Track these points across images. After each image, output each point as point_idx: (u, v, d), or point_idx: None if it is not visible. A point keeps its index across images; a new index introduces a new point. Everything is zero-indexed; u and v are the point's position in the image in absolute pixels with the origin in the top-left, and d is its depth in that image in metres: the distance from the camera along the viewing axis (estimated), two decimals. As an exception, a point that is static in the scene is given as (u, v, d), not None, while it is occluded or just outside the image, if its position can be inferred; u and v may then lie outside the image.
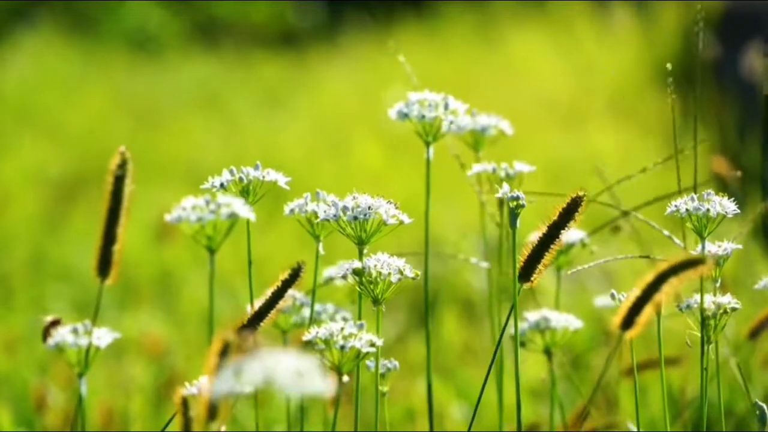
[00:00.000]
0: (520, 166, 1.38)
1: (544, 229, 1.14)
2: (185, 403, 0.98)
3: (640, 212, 1.45)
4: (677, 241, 1.36)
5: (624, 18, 4.95)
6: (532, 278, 1.15)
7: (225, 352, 0.92)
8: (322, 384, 0.83)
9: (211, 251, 1.06)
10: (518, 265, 1.15)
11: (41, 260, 3.05)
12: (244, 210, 1.06)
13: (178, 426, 0.98)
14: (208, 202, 1.06)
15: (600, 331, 2.25)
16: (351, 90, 4.94)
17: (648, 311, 1.02)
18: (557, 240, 1.14)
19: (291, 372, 0.83)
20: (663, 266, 1.02)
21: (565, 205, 1.14)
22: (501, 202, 1.40)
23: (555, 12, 5.64)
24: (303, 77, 5.46)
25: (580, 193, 1.14)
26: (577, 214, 1.14)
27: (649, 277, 1.02)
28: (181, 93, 5.22)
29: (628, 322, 1.02)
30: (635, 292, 1.03)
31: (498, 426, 1.46)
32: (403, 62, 1.46)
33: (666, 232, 1.38)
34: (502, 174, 1.38)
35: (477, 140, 1.44)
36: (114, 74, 5.60)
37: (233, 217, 1.06)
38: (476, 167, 1.39)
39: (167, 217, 1.07)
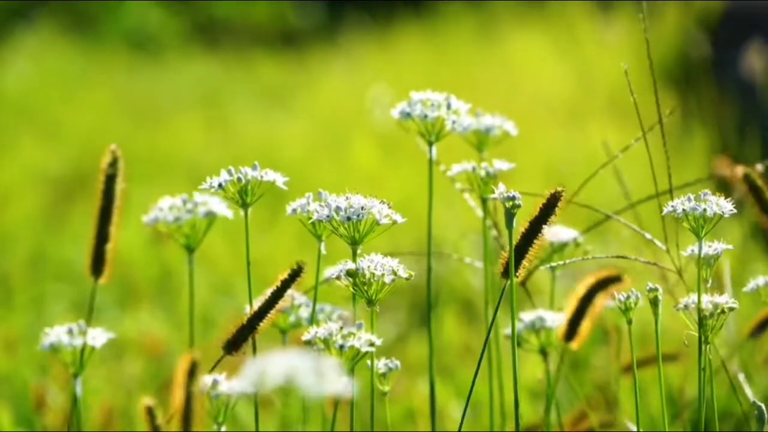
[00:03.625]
0: (500, 164, 1.38)
1: (525, 225, 1.15)
2: (150, 412, 0.98)
3: (630, 212, 1.45)
4: (659, 243, 1.36)
5: (623, 18, 4.95)
6: (517, 274, 1.15)
7: (193, 372, 0.92)
8: (342, 384, 0.84)
9: (190, 250, 1.06)
10: (501, 262, 1.16)
11: (41, 260, 3.05)
12: (220, 208, 1.06)
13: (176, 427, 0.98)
14: (185, 202, 1.06)
15: (599, 330, 2.25)
16: (351, 90, 4.94)
17: (587, 323, 1.04)
18: (539, 235, 1.15)
19: (312, 372, 0.83)
20: (590, 282, 1.04)
21: (545, 201, 1.15)
22: (483, 201, 1.40)
23: (555, 12, 5.64)
24: (303, 77, 5.46)
25: (559, 189, 1.15)
26: (557, 209, 1.15)
27: (579, 292, 1.04)
28: (180, 93, 5.22)
29: (570, 334, 1.04)
30: (571, 306, 1.05)
31: (498, 426, 1.46)
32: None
33: (648, 235, 1.38)
34: (482, 173, 1.38)
35: (481, 141, 1.44)
36: (114, 74, 5.60)
37: (210, 216, 1.06)
38: (456, 167, 1.39)
39: (144, 219, 1.07)
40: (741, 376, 1.43)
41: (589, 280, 1.04)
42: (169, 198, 1.07)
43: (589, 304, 1.05)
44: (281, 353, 0.85)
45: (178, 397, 0.92)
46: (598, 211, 1.44)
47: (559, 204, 1.14)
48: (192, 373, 0.92)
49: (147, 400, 1.02)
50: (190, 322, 1.07)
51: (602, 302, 1.04)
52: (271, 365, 0.84)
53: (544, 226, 1.14)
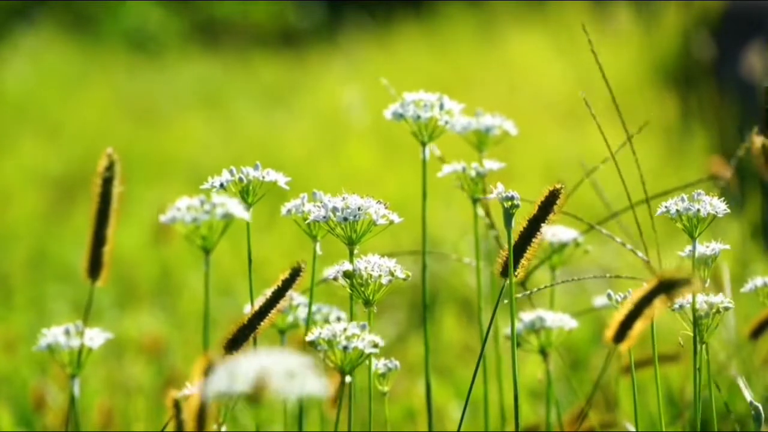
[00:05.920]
0: (490, 164, 1.38)
1: (524, 223, 1.15)
2: (177, 405, 0.98)
3: (626, 213, 1.45)
4: (640, 254, 1.36)
5: (624, 18, 4.95)
6: (516, 272, 1.15)
7: (209, 371, 0.91)
8: (317, 384, 0.82)
9: (206, 251, 1.06)
10: (500, 261, 1.16)
11: (41, 260, 3.05)
12: (239, 210, 1.06)
13: (172, 428, 0.98)
14: (202, 203, 1.06)
15: (598, 331, 2.25)
16: (350, 90, 4.94)
17: (640, 325, 1.03)
18: (538, 233, 1.14)
19: (284, 372, 0.82)
20: (652, 283, 1.02)
21: (543, 199, 1.14)
22: (474, 201, 1.40)
23: (555, 12, 5.64)
24: (303, 77, 5.46)
25: (558, 186, 1.15)
26: (556, 206, 1.14)
27: (639, 293, 1.03)
28: (181, 93, 5.22)
29: (620, 335, 1.03)
30: (627, 306, 1.03)
31: (498, 426, 1.46)
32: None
33: (629, 246, 1.38)
34: (473, 173, 1.38)
35: (481, 140, 1.44)
36: (114, 74, 5.60)
37: (228, 218, 1.05)
38: (446, 168, 1.39)
39: (161, 218, 1.07)
40: (740, 380, 1.43)
41: (652, 282, 1.02)
42: (186, 198, 1.07)
43: (648, 305, 1.03)
44: (257, 353, 0.84)
45: (193, 396, 0.92)
46: (582, 220, 1.44)
47: (558, 201, 1.14)
48: (208, 372, 0.91)
49: (174, 394, 1.02)
50: (205, 324, 1.07)
51: (662, 305, 1.03)
52: (242, 367, 0.82)
53: (542, 224, 1.14)
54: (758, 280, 1.27)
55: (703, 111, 3.60)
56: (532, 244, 1.14)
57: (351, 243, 1.17)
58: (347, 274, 1.16)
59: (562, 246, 1.47)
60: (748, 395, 1.33)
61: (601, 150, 1.50)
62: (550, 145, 3.85)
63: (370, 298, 1.16)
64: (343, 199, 1.17)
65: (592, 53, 1.32)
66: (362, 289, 1.16)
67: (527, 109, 4.26)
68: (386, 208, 1.18)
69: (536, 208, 1.14)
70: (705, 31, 3.84)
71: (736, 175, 1.85)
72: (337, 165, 3.89)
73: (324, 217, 1.17)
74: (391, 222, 1.17)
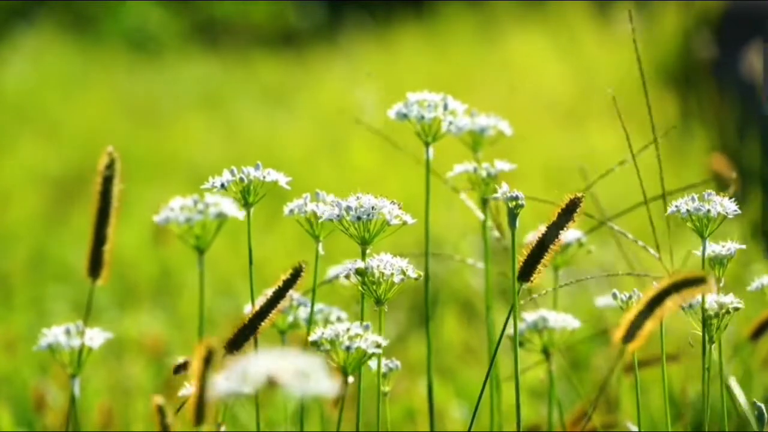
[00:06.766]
0: (501, 165, 1.38)
1: (543, 229, 1.15)
2: (161, 410, 0.97)
3: (631, 213, 1.45)
4: (652, 251, 1.36)
5: (624, 18, 4.95)
6: (531, 278, 1.15)
7: (209, 360, 0.91)
8: (326, 384, 0.82)
9: (200, 251, 1.06)
10: (517, 265, 1.16)
11: (41, 260, 3.05)
12: (232, 209, 1.06)
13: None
14: (196, 202, 1.06)
15: (600, 331, 2.25)
16: (351, 90, 4.94)
17: (650, 325, 1.03)
18: (556, 240, 1.14)
19: (295, 372, 0.82)
20: (665, 283, 1.02)
21: (564, 206, 1.14)
22: (485, 202, 1.40)
23: (555, 12, 5.64)
24: (303, 77, 5.46)
25: (579, 195, 1.15)
26: (575, 214, 1.14)
27: (651, 292, 1.03)
28: (181, 93, 5.22)
29: (630, 335, 1.03)
30: (638, 306, 1.03)
31: (498, 426, 1.46)
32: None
33: (640, 243, 1.38)
34: (483, 174, 1.38)
35: (476, 141, 1.44)
36: (114, 74, 5.59)
37: (221, 217, 1.05)
38: (458, 168, 1.39)
39: (155, 218, 1.07)
40: (732, 381, 1.43)
41: (664, 283, 1.02)
42: (180, 198, 1.07)
43: (659, 305, 1.03)
44: (266, 353, 0.84)
45: (193, 386, 0.92)
46: (593, 217, 1.44)
47: (578, 210, 1.14)
48: (208, 362, 0.91)
49: (158, 399, 1.02)
50: (200, 323, 1.07)
51: (674, 305, 1.03)
52: (254, 365, 0.83)
53: (561, 231, 1.14)
54: (765, 279, 1.27)
55: (703, 111, 3.60)
56: (549, 251, 1.14)
57: (364, 243, 1.18)
58: (360, 272, 1.16)
59: (566, 246, 1.47)
60: (741, 399, 1.33)
61: (602, 150, 1.50)
62: (550, 145, 3.84)
63: (382, 296, 1.16)
64: (357, 198, 1.17)
65: (592, 54, 1.32)
66: (374, 287, 1.16)
67: (527, 109, 4.26)
68: (399, 208, 1.18)
69: (556, 215, 1.14)
70: (706, 31, 3.84)
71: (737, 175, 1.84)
72: (338, 165, 3.89)
73: (338, 216, 1.17)
74: (404, 222, 1.18)
